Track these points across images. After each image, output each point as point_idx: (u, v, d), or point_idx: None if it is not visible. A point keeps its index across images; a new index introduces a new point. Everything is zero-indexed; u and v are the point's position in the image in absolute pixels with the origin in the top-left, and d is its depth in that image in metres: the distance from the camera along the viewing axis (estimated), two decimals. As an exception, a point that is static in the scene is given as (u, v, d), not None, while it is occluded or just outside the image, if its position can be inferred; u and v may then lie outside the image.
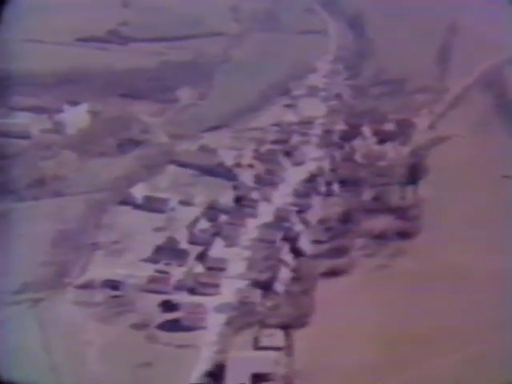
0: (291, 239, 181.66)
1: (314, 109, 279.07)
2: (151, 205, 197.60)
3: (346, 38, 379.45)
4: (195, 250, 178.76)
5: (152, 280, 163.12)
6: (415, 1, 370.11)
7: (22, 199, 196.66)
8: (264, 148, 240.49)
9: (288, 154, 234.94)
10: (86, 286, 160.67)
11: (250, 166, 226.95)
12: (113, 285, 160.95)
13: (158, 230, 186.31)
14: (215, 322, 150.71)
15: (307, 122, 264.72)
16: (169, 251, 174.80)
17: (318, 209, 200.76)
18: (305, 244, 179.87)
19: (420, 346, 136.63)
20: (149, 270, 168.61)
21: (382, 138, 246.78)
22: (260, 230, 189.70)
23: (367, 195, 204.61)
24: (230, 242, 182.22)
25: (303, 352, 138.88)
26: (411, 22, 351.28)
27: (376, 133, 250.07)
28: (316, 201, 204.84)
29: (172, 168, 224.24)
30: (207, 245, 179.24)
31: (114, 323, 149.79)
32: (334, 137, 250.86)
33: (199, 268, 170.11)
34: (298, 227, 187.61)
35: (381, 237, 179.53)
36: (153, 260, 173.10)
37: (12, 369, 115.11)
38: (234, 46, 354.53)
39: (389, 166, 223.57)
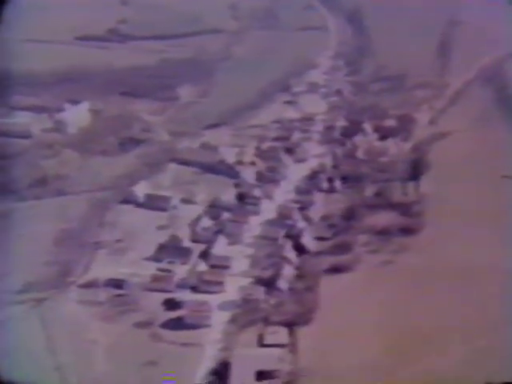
0: (294, 236, 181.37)
1: (315, 105, 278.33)
2: (153, 203, 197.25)
3: (345, 33, 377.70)
4: (198, 248, 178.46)
5: (155, 278, 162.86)
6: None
7: (24, 199, 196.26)
8: (265, 145, 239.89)
9: (289, 150, 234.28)
10: (90, 285, 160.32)
11: (252, 163, 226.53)
12: (116, 283, 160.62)
13: (160, 228, 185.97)
14: (219, 319, 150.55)
15: (308, 119, 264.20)
16: (172, 249, 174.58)
17: (320, 205, 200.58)
18: (308, 241, 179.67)
19: (424, 341, 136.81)
20: (152, 268, 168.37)
21: (384, 134, 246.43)
22: (263, 228, 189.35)
23: (369, 191, 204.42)
24: (233, 239, 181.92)
25: (307, 349, 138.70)
26: (411, 17, 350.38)
27: (377, 129, 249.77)
28: (318, 197, 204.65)
29: (173, 166, 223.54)
30: (210, 243, 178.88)
31: (118, 322, 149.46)
32: (336, 133, 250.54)
33: (202, 266, 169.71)
34: (301, 224, 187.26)
35: (384, 233, 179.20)
36: (156, 258, 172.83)
37: (15, 369, 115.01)
38: (234, 43, 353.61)
39: (390, 162, 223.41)
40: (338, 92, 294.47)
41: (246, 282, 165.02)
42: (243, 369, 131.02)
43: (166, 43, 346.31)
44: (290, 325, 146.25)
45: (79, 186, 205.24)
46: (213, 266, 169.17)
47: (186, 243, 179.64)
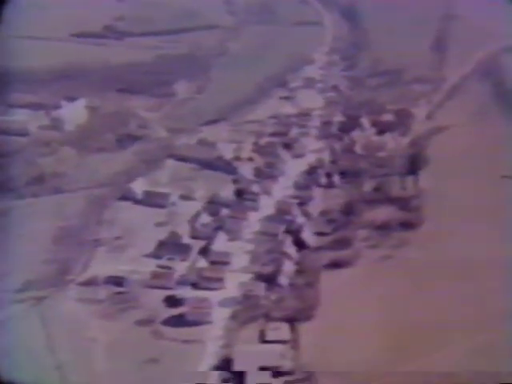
0: (294, 232, 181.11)
1: (312, 100, 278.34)
2: (152, 200, 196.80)
3: (341, 28, 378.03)
4: (198, 244, 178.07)
5: (155, 275, 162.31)
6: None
7: (22, 197, 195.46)
8: (263, 141, 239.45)
9: (287, 146, 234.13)
10: (89, 283, 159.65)
11: (250, 159, 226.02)
12: (116, 281, 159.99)
13: (159, 225, 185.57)
14: (220, 316, 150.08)
15: (305, 114, 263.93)
16: (171, 246, 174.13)
17: (319, 201, 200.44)
18: (308, 236, 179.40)
19: (424, 335, 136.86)
20: (152, 265, 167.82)
21: (381, 128, 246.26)
22: (262, 223, 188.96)
23: (368, 186, 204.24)
24: (233, 235, 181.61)
25: (309, 345, 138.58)
26: (408, 11, 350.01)
27: (375, 124, 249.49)
28: (317, 193, 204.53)
29: (171, 162, 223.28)
30: (210, 239, 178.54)
31: (119, 320, 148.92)
32: (333, 128, 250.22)
33: (202, 262, 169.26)
34: (300, 220, 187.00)
35: (384, 227, 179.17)
36: (155, 255, 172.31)
37: (15, 368, 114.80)
38: (230, 38, 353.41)
39: (389, 157, 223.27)
40: (335, 87, 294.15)
41: (246, 278, 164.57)
42: (245, 365, 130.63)
43: (163, 39, 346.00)
44: (291, 320, 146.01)
45: (77, 184, 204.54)
46: (213, 263, 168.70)
47: (186, 240, 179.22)
